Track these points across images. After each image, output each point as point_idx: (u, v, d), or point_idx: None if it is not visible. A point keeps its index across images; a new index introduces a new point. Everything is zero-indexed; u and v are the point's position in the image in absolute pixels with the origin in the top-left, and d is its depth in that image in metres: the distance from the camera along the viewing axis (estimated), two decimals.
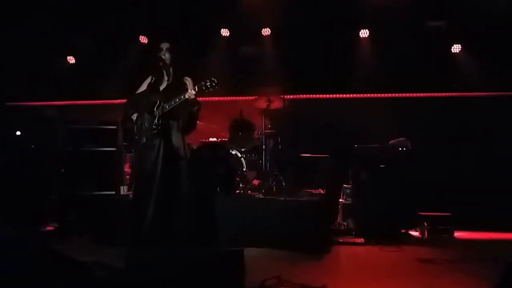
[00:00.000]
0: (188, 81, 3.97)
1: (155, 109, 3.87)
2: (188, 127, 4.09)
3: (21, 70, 7.05)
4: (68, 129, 6.05)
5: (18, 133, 6.35)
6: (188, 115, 3.98)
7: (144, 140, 3.88)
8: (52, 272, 2.68)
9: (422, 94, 6.88)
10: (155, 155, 3.82)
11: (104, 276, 2.97)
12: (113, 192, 5.80)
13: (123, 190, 5.83)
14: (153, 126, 3.85)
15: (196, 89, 3.75)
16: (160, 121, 3.86)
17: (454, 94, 6.81)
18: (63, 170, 6.05)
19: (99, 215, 5.19)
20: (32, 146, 6.38)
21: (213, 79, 3.71)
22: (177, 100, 3.81)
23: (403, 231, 5.50)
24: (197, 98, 3.87)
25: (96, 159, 5.86)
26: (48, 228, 5.92)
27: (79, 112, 7.27)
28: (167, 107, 3.84)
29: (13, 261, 2.63)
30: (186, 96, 3.77)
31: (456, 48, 6.77)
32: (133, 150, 4.13)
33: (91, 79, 7.18)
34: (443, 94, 6.84)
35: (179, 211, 3.86)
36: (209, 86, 3.71)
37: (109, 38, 7.14)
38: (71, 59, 7.59)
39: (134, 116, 4.07)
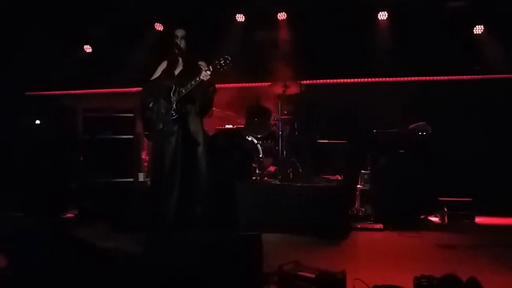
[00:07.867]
0: (203, 65, 3.94)
1: (171, 95, 3.86)
2: (205, 109, 4.08)
3: (39, 60, 7.12)
4: (85, 117, 6.12)
5: (37, 122, 6.43)
6: (204, 97, 3.96)
7: (161, 126, 3.88)
8: (73, 258, 2.71)
9: (443, 78, 6.70)
10: (174, 141, 3.81)
11: (125, 261, 2.99)
12: (131, 179, 5.88)
13: (141, 177, 5.89)
14: (172, 112, 3.83)
15: (211, 69, 3.72)
16: (178, 106, 3.84)
17: (476, 77, 6.60)
18: (81, 158, 6.15)
19: (118, 202, 5.24)
20: (51, 135, 6.46)
21: (226, 56, 3.67)
22: (192, 82, 3.78)
23: (422, 216, 5.42)
24: (213, 83, 3.84)
25: (114, 147, 5.94)
26: (68, 215, 6.05)
27: (97, 101, 7.32)
28: (183, 91, 3.82)
29: (35, 249, 2.67)
30: (202, 77, 3.74)
31: (478, 29, 6.56)
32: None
33: (108, 67, 7.20)
34: (465, 77, 6.64)
35: (198, 197, 3.86)
36: (223, 64, 3.67)
37: (125, 26, 7.15)
38: (87, 48, 7.66)
39: (151, 104, 4.07)
